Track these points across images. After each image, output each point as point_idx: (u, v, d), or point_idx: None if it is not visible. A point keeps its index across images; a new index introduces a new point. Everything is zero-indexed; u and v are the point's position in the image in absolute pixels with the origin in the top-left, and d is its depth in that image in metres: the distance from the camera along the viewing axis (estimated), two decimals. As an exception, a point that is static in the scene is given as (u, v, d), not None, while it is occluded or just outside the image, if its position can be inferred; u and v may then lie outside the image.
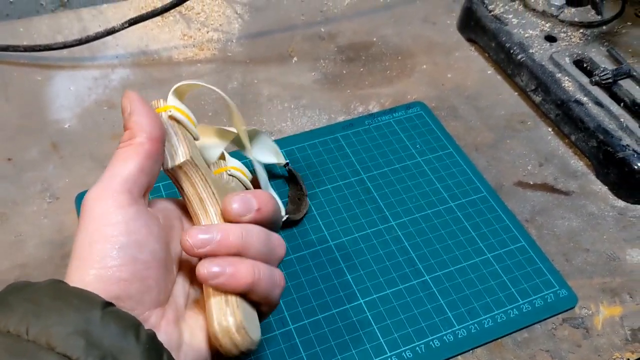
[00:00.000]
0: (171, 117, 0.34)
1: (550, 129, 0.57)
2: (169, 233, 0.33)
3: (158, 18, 0.63)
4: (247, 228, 0.32)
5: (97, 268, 0.29)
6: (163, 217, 0.33)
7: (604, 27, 0.61)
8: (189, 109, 0.35)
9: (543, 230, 0.50)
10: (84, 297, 0.27)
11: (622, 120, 0.53)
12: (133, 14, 0.64)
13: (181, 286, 0.33)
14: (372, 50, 0.65)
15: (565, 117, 0.55)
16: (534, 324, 0.44)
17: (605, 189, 0.53)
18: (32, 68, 0.60)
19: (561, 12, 0.61)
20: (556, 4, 0.61)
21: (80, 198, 0.49)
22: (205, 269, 0.31)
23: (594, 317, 0.44)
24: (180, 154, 0.33)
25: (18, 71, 0.60)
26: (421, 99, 0.59)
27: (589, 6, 0.62)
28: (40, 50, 0.59)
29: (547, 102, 0.57)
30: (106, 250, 0.29)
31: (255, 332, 0.31)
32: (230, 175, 0.40)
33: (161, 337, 0.28)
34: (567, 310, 0.45)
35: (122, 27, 0.57)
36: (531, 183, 0.53)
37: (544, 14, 0.62)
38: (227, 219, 0.33)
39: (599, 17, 0.61)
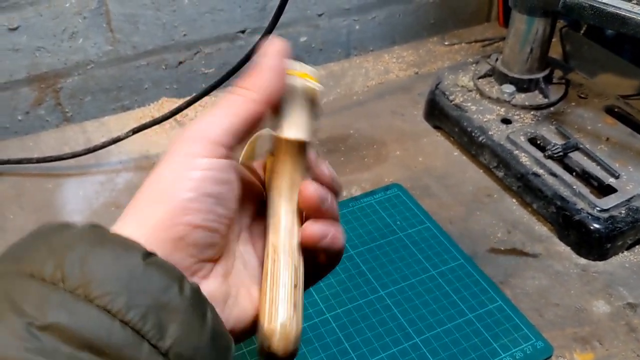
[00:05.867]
0: (306, 88, 0.32)
1: (514, 200, 0.64)
2: (244, 192, 0.33)
3: (156, 126, 0.70)
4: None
5: (174, 203, 0.27)
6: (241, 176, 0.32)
7: (552, 109, 0.70)
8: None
9: (516, 290, 0.55)
10: (125, 246, 0.25)
11: (575, 187, 0.60)
12: (134, 124, 0.71)
13: (242, 248, 0.33)
14: (349, 141, 0.72)
15: (526, 188, 0.62)
16: (516, 374, 0.49)
17: (568, 249, 0.59)
18: (43, 178, 0.66)
19: (513, 98, 0.70)
20: (508, 91, 0.70)
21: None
22: (317, 228, 0.31)
23: (570, 364, 0.49)
24: (301, 130, 0.32)
25: (30, 181, 0.66)
26: (397, 181, 0.66)
27: (537, 91, 0.71)
28: (51, 160, 0.65)
29: (509, 176, 0.64)
30: (190, 191, 0.27)
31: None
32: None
33: (209, 287, 0.28)
34: (545, 360, 0.49)
35: (127, 135, 0.64)
36: (502, 249, 0.59)
37: (498, 100, 0.70)
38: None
39: (546, 100, 0.70)
